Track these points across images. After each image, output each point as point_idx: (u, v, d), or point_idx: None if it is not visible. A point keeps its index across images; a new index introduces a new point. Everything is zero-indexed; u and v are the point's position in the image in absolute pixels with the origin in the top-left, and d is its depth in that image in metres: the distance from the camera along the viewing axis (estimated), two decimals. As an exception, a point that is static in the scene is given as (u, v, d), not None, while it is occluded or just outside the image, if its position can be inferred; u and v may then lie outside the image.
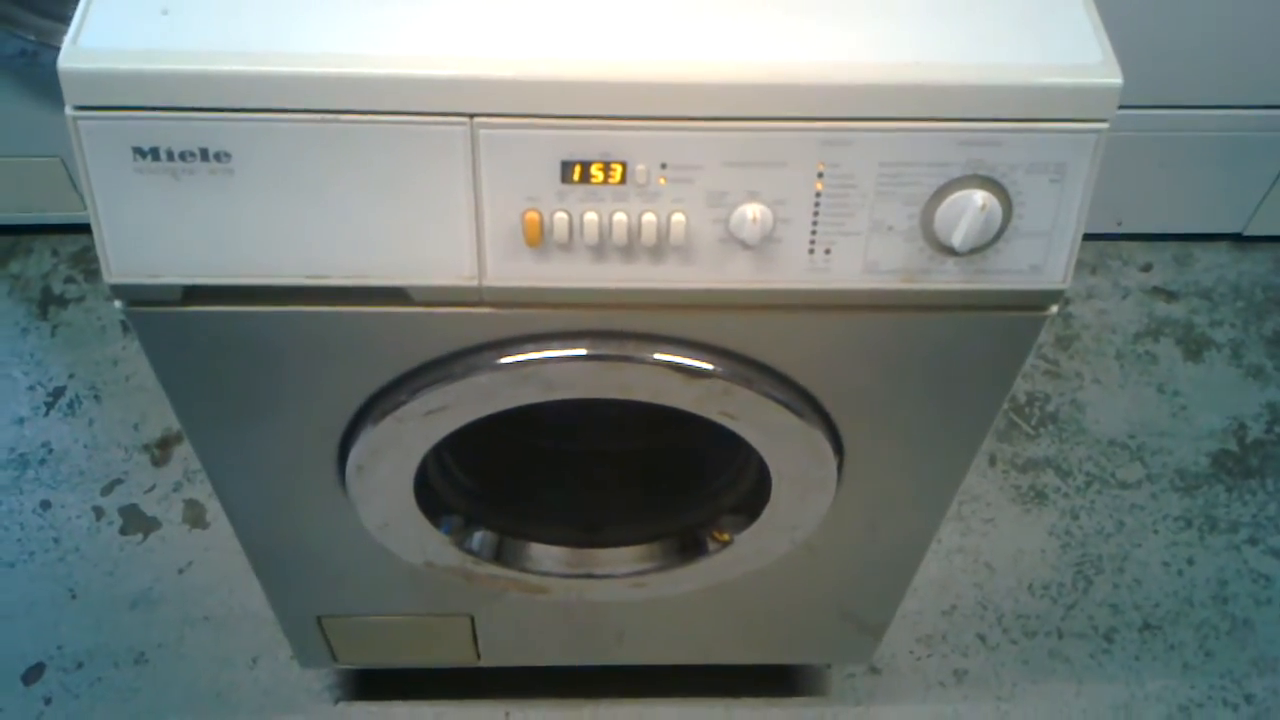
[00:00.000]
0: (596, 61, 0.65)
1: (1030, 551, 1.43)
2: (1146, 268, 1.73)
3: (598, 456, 1.07)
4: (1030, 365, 1.60)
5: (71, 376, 1.59)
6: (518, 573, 1.01)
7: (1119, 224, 1.71)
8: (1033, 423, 1.55)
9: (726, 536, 0.97)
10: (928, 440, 0.87)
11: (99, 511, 1.45)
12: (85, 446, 1.51)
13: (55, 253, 1.72)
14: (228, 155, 0.67)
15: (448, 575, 1.01)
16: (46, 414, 1.55)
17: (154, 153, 0.67)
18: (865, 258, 0.71)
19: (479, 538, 1.00)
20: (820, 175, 0.68)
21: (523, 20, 0.67)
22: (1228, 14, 1.43)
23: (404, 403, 0.80)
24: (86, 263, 1.71)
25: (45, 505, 1.45)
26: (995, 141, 0.67)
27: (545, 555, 1.02)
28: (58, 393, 1.57)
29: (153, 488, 1.47)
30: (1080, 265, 1.72)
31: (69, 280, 1.70)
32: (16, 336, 1.63)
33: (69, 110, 0.65)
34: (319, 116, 0.65)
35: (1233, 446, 1.54)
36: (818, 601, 1.11)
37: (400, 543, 0.96)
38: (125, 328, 1.63)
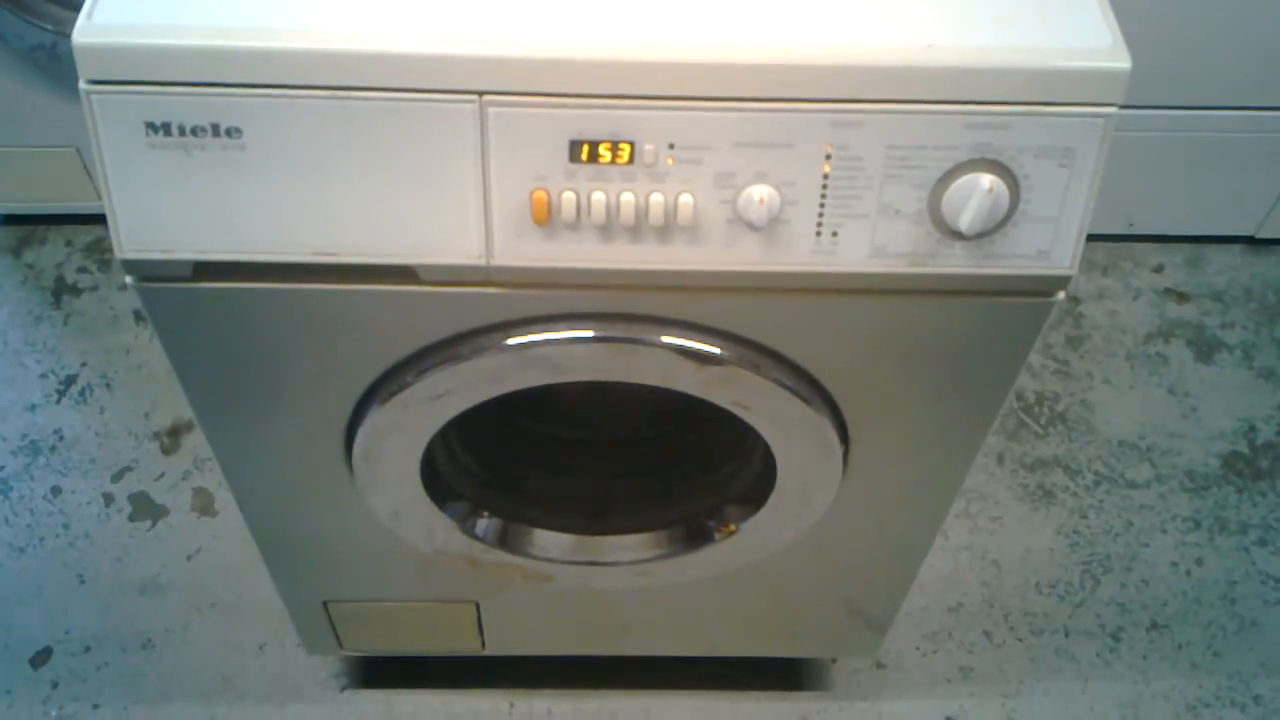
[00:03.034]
0: (605, 41, 0.66)
1: (1038, 550, 1.42)
2: (1158, 269, 1.73)
3: (604, 444, 1.07)
4: (1040, 364, 1.60)
5: (84, 365, 1.60)
6: (523, 559, 1.01)
7: (1130, 225, 1.71)
8: (1042, 422, 1.54)
9: (732, 526, 0.97)
10: (934, 428, 0.87)
11: (108, 498, 1.46)
12: (96, 434, 1.52)
13: (70, 243, 1.74)
14: (239, 131, 0.67)
15: (454, 562, 1.01)
16: (58, 401, 1.56)
17: (166, 128, 0.67)
18: (872, 241, 0.71)
19: (484, 523, 1.00)
20: (828, 157, 0.68)
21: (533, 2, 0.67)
22: (1240, 13, 1.43)
23: (410, 384, 0.80)
24: (101, 252, 1.72)
25: (56, 491, 1.46)
26: (1003, 125, 0.67)
27: (550, 542, 1.02)
28: (70, 380, 1.58)
29: (162, 475, 1.48)
30: (1091, 266, 1.72)
31: (82, 270, 1.71)
32: (30, 325, 1.64)
33: (82, 85, 0.66)
34: (330, 93, 0.66)
35: (1243, 448, 1.53)
36: (823, 594, 1.11)
37: (408, 528, 0.96)
38: (138, 317, 1.64)
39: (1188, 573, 1.42)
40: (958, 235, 0.70)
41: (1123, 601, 1.39)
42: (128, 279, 0.74)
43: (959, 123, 0.67)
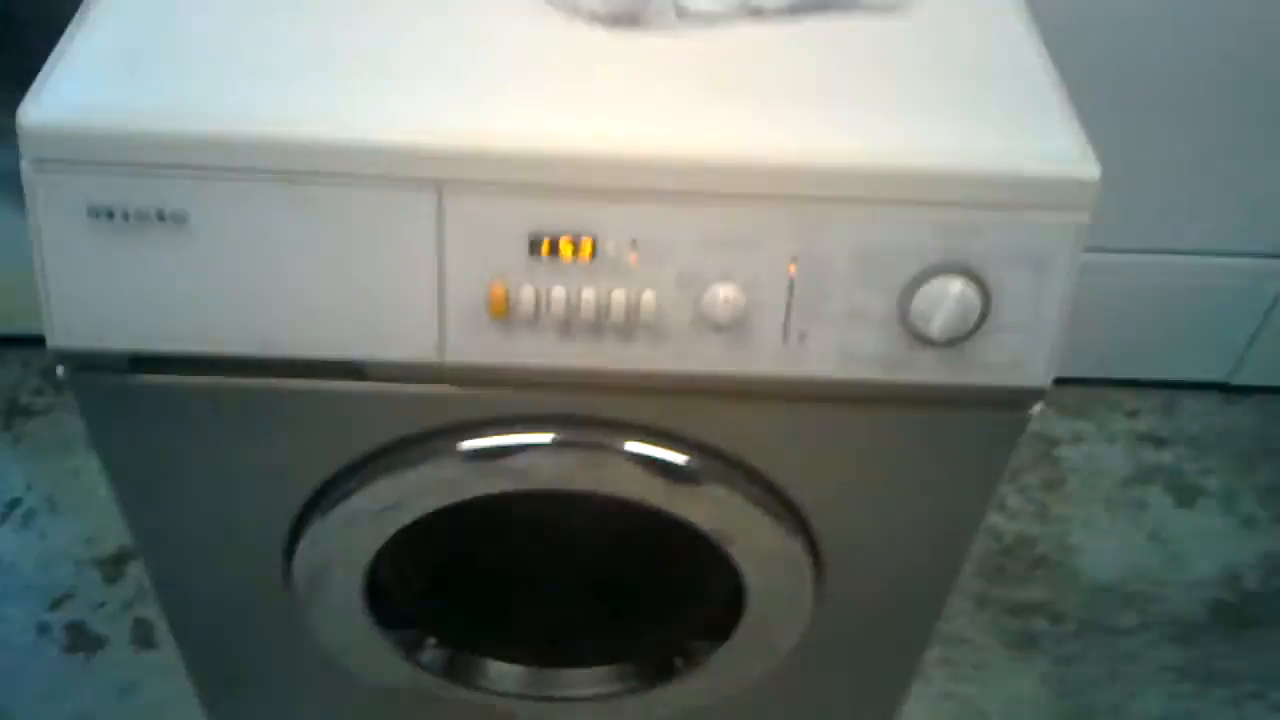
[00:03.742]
0: (568, 133, 0.64)
1: (1024, 698, 1.35)
2: (1133, 414, 1.71)
3: (560, 569, 1.02)
4: (1018, 506, 1.56)
5: (29, 488, 1.53)
6: (474, 692, 0.95)
7: (1105, 369, 1.70)
8: (1022, 566, 1.50)
9: (696, 659, 0.91)
10: (909, 550, 0.83)
11: (43, 627, 1.37)
12: (36, 559, 1.45)
13: (26, 364, 1.69)
14: (184, 215, 0.65)
15: (409, 700, 0.94)
16: (-1, 525, 1.49)
17: (109, 212, 0.65)
18: (841, 346, 0.69)
19: (431, 652, 0.93)
20: (794, 258, 0.66)
21: (496, 89, 0.66)
22: (1209, 159, 1.45)
23: (354, 490, 0.76)
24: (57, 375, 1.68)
25: (-13, 619, 1.38)
26: (973, 230, 0.66)
27: (502, 674, 0.95)
28: (13, 504, 1.51)
29: (102, 605, 1.40)
30: (1065, 409, 1.70)
31: (37, 392, 1.66)
32: (-23, 446, 1.58)
33: (24, 164, 0.64)
34: (280, 179, 0.64)
35: (1229, 596, 1.48)
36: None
37: (354, 657, 0.90)
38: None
39: (1179, 727, 1.35)
40: (929, 341, 0.68)
41: (1113, 757, 1.31)
42: (59, 369, 0.70)
43: (928, 226, 0.65)
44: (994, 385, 0.70)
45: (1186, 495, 1.60)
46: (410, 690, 0.94)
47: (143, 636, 1.37)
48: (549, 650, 0.96)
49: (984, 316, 0.67)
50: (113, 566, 1.45)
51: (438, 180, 0.64)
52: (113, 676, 1.33)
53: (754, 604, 0.84)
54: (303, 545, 0.80)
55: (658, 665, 0.94)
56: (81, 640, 1.37)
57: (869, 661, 0.94)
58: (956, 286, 0.66)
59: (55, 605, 1.40)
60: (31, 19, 1.44)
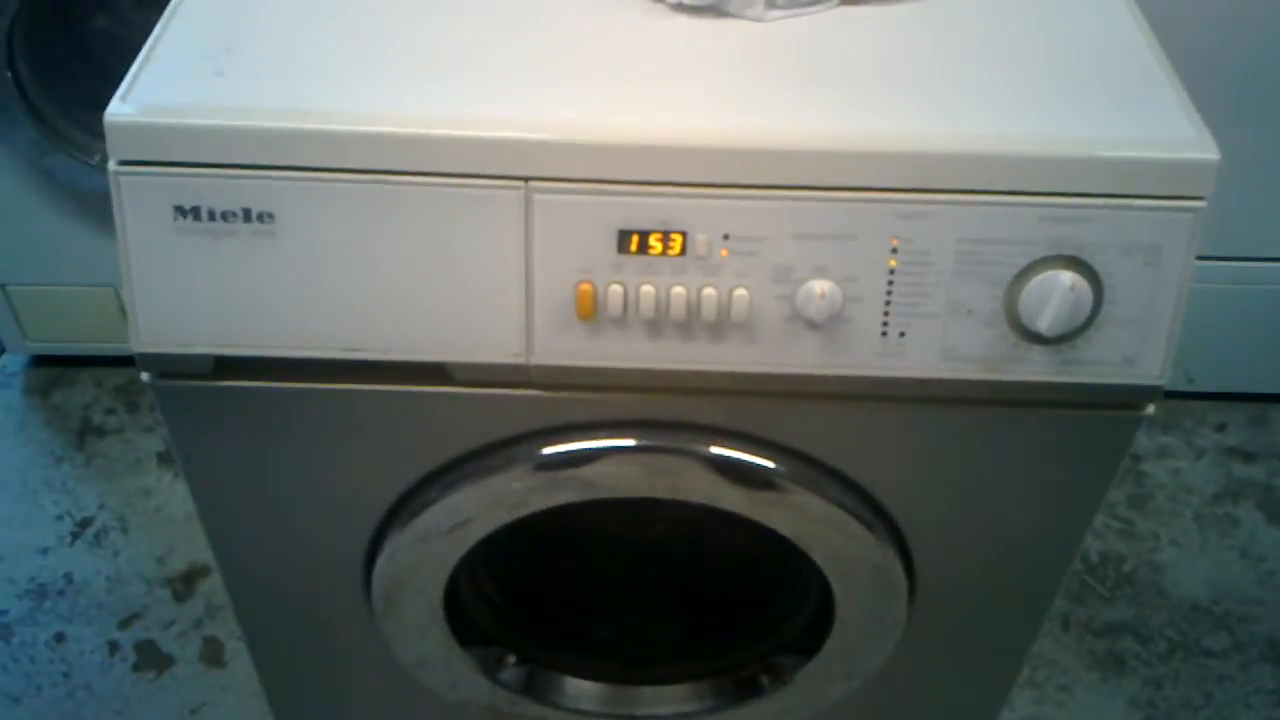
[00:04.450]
0: (658, 125, 0.62)
1: (1112, 724, 1.30)
2: (1221, 427, 1.65)
3: (641, 582, 0.99)
4: (1103, 524, 1.51)
5: (101, 507, 1.54)
6: (550, 709, 0.92)
7: (1190, 381, 1.64)
8: (1108, 584, 1.44)
9: (784, 676, 0.88)
10: (1008, 562, 0.79)
11: (114, 646, 1.37)
12: (107, 578, 1.45)
13: (99, 384, 1.71)
14: (271, 216, 0.64)
15: (479, 714, 0.92)
16: (71, 544, 1.49)
17: (195, 212, 0.64)
18: (943, 343, 0.66)
19: (509, 670, 0.91)
20: (894, 250, 0.64)
21: (584, 83, 0.65)
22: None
23: (436, 500, 0.74)
24: (129, 394, 1.69)
25: (59, 638, 1.38)
26: (1083, 219, 0.63)
27: (581, 691, 0.93)
28: (85, 523, 1.52)
29: (172, 623, 1.40)
30: (1150, 423, 1.64)
31: (109, 411, 1.67)
32: (50, 465, 1.60)
33: (111, 165, 0.63)
34: (368, 177, 0.63)
35: (1327, 617, 1.42)
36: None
37: (430, 672, 0.87)
38: (161, 459, 1.59)
39: (1279, 754, 1.28)
40: (1036, 338, 0.65)
41: (1210, 786, 1.26)
42: (144, 375, 0.69)
43: (1035, 216, 0.62)
44: (1106, 384, 0.67)
45: (1278, 511, 1.54)
46: (487, 707, 0.92)
47: (212, 655, 1.37)
48: (629, 667, 0.93)
49: (1096, 310, 0.64)
50: (183, 585, 1.44)
51: (524, 176, 0.62)
52: (182, 695, 1.33)
53: (843, 617, 0.81)
54: (382, 557, 0.78)
55: (742, 682, 0.91)
56: (151, 659, 1.36)
57: (959, 682, 0.90)
58: (1067, 279, 0.63)
59: (125, 624, 1.40)
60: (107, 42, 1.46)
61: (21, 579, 1.44)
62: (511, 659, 0.91)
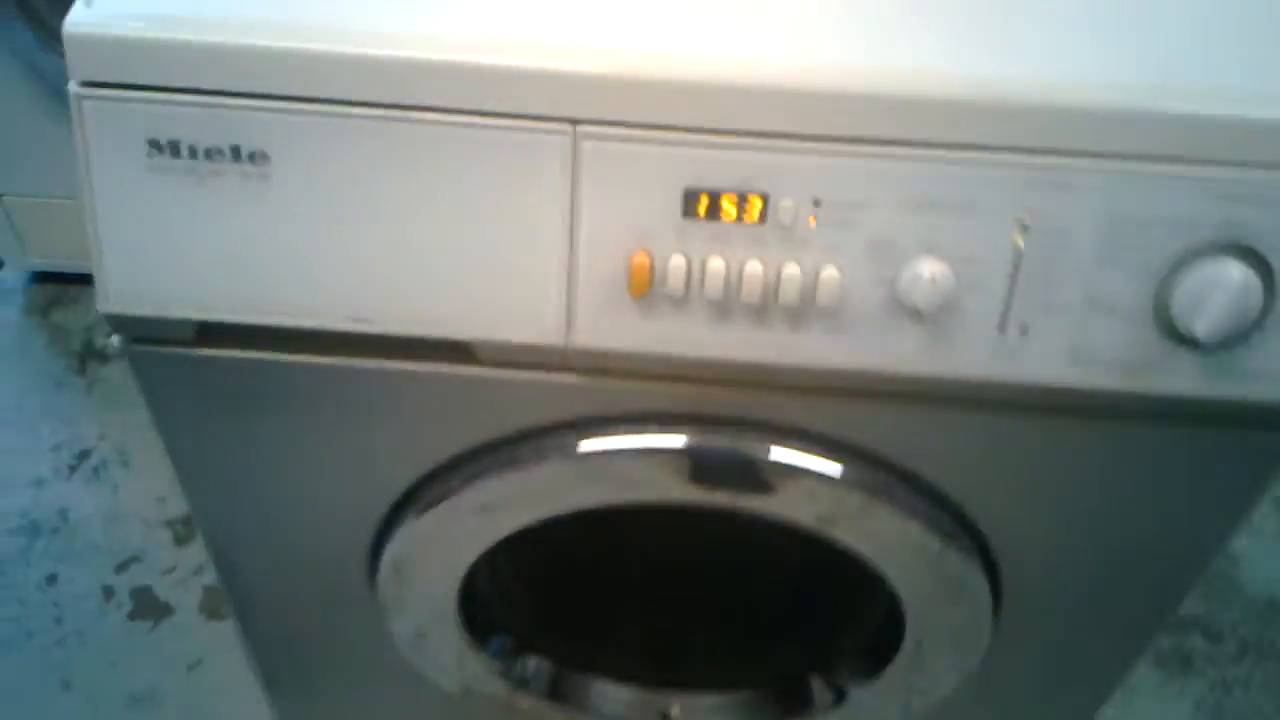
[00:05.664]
0: (736, 61, 0.50)
1: (1176, 728, 1.21)
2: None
3: (681, 574, 0.89)
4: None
5: (102, 438, 1.45)
6: (574, 711, 0.83)
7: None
8: (1174, 573, 1.34)
9: (840, 692, 0.78)
10: (1111, 597, 0.68)
11: (109, 591, 1.29)
12: (104, 517, 1.37)
13: (103, 306, 1.61)
14: (265, 156, 0.52)
15: (487, 705, 0.83)
16: (68, 477, 1.41)
17: (174, 147, 0.53)
18: (1074, 343, 0.54)
19: (532, 666, 0.82)
20: (1024, 227, 0.52)
21: (645, 3, 0.52)
22: None
23: (456, 490, 0.64)
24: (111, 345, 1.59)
25: (51, 580, 1.30)
26: (1264, 198, 0.50)
27: (609, 695, 0.83)
28: (83, 455, 1.43)
29: (172, 569, 1.32)
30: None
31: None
32: (50, 391, 1.51)
33: (72, 87, 0.52)
34: (382, 111, 0.51)
35: None
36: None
37: (434, 661, 0.78)
38: (165, 391, 1.50)
39: (1355, 768, 1.19)
40: (1189, 343, 0.53)
41: (1278, 800, 1.16)
42: (114, 339, 0.59)
43: (1206, 191, 0.50)
44: (1266, 400, 0.55)
45: (1366, 500, 1.43)
46: (495, 696, 0.82)
47: (213, 606, 1.29)
48: (663, 671, 0.84)
49: (1265, 312, 0.52)
50: (184, 528, 1.36)
51: (572, 119, 0.51)
52: (179, 648, 1.25)
53: (914, 639, 0.71)
54: (392, 545, 0.68)
55: (791, 696, 0.81)
56: (148, 606, 1.28)
57: (1036, 713, 0.80)
58: (1237, 273, 0.51)
59: (122, 568, 1.32)
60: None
61: (13, 514, 1.36)
62: (533, 660, 0.81)
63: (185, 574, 1.31)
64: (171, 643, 1.25)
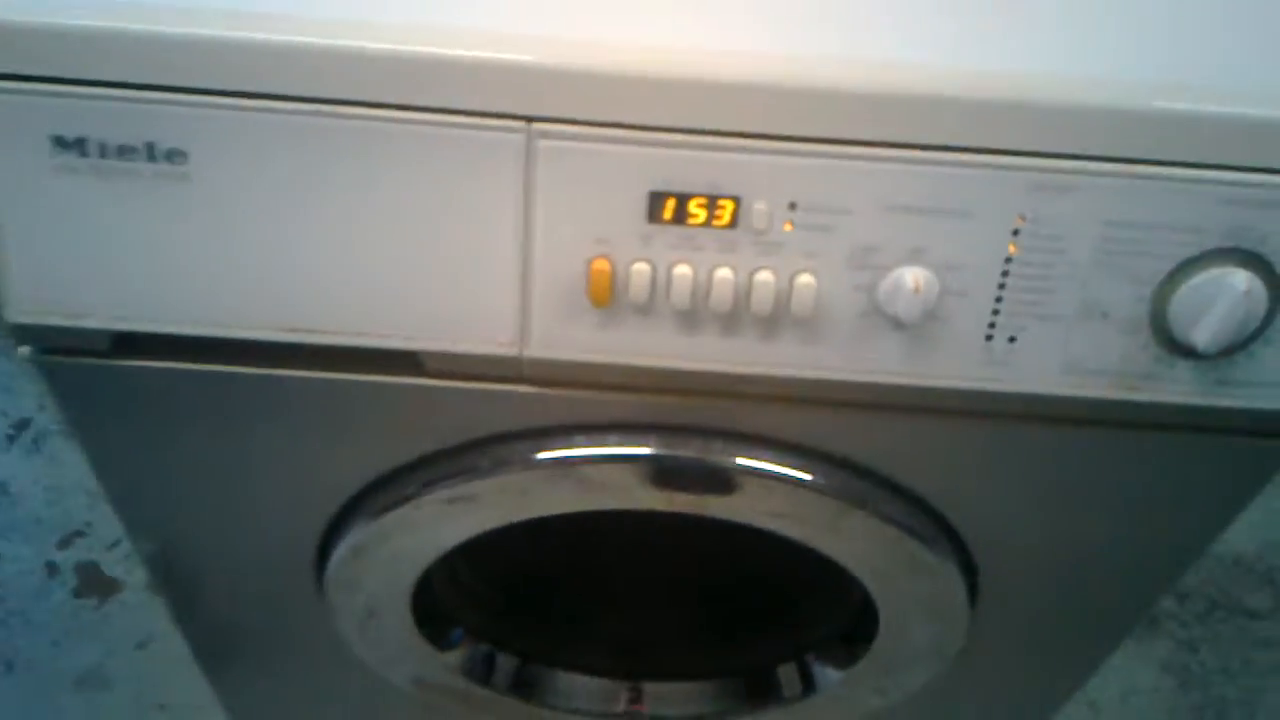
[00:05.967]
0: (707, 54, 0.46)
1: (1142, 690, 1.21)
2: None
3: (649, 564, 0.86)
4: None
5: (42, 408, 1.40)
6: (538, 704, 0.80)
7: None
8: (1141, 533, 1.34)
9: (809, 682, 0.76)
10: (1090, 597, 0.66)
11: (52, 568, 1.25)
12: (46, 489, 1.32)
13: (38, 265, 1.54)
14: (183, 154, 0.47)
15: (441, 699, 0.80)
16: (7, 448, 1.36)
17: (80, 145, 0.47)
18: (1066, 352, 0.51)
19: (490, 659, 0.79)
20: (1015, 233, 0.48)
21: (610, -10, 0.47)
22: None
23: (411, 498, 0.60)
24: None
25: (-9, 556, 1.26)
26: (1268, 203, 0.47)
27: (575, 686, 0.81)
28: (22, 425, 1.38)
29: (117, 543, 1.28)
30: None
31: (50, 296, 1.51)
32: (-16, 356, 1.45)
33: (-36, 77, 0.46)
34: (314, 107, 0.46)
35: (1376, 575, 1.32)
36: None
37: (383, 656, 0.75)
38: (106, 354, 1.45)
39: (1316, 724, 1.20)
40: (1186, 351, 0.50)
41: (1240, 758, 1.17)
42: (22, 350, 0.54)
43: (1214, 196, 0.47)
44: (1264, 409, 0.52)
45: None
46: (446, 688, 0.79)
47: (162, 582, 1.24)
48: (628, 661, 0.81)
49: (1268, 321, 0.49)
50: (130, 499, 1.31)
51: (526, 115, 0.46)
52: (127, 626, 1.21)
53: (888, 636, 0.69)
54: (338, 554, 0.64)
55: (760, 686, 0.79)
56: (94, 583, 1.24)
57: (1007, 701, 0.78)
58: (1241, 281, 0.47)
59: (65, 543, 1.27)
60: None
61: (-51, 488, 1.31)
62: (491, 650, 0.78)
63: (132, 549, 1.27)
64: (119, 621, 1.21)
